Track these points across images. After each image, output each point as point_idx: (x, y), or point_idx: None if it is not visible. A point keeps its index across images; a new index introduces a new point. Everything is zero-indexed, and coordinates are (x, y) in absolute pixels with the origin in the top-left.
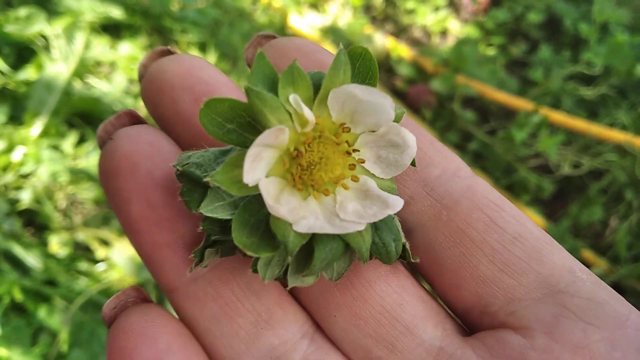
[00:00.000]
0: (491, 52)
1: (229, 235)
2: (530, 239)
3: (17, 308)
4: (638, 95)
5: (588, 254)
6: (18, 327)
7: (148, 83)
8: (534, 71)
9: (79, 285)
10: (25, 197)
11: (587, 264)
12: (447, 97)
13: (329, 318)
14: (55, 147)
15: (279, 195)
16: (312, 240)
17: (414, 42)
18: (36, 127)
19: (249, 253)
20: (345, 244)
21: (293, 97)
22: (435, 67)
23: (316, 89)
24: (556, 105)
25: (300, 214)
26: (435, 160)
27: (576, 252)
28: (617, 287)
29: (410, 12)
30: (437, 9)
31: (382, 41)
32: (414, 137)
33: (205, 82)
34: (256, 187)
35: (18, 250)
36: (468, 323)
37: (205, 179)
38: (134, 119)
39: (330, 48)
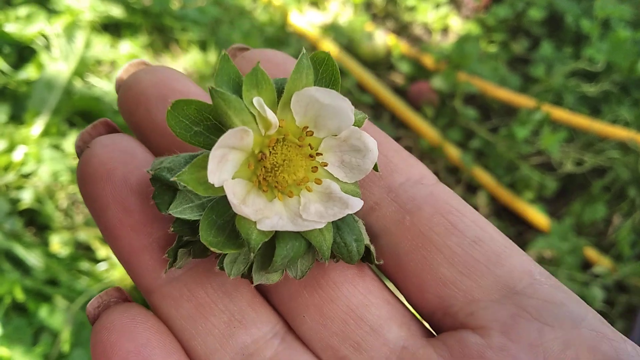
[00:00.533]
0: (492, 49)
1: (198, 236)
2: (489, 242)
3: (18, 308)
4: None
5: (591, 251)
6: (19, 326)
7: (124, 93)
8: (536, 68)
9: (80, 285)
10: (27, 197)
11: (590, 262)
12: (449, 95)
13: (298, 318)
14: (56, 147)
15: (246, 196)
16: (275, 239)
17: (415, 40)
18: (37, 127)
19: (213, 250)
20: (307, 243)
21: (257, 100)
22: (436, 64)
23: (280, 93)
24: (558, 102)
25: (265, 214)
26: (400, 167)
27: (579, 250)
28: (621, 285)
29: (411, 9)
30: (438, 6)
31: (383, 39)
32: (375, 142)
33: (179, 92)
34: (222, 188)
35: (19, 250)
36: (433, 325)
37: (171, 179)
38: (109, 129)
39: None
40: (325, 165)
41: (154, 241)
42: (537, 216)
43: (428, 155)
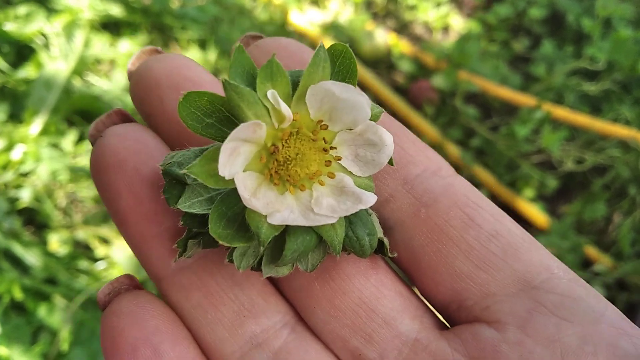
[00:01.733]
0: (493, 47)
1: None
2: (507, 236)
3: (17, 307)
4: None
5: (592, 250)
6: (18, 325)
7: (136, 82)
8: (537, 67)
9: (79, 284)
10: (25, 196)
11: (591, 261)
12: (449, 94)
13: (309, 309)
14: (55, 145)
15: (257, 189)
16: (285, 232)
17: (416, 39)
18: (36, 125)
19: (222, 243)
20: (318, 237)
21: (271, 93)
22: (437, 63)
23: (295, 86)
24: (559, 100)
25: (276, 207)
26: (416, 158)
27: (579, 248)
28: (621, 283)
29: (412, 8)
30: (438, 4)
31: (383, 37)
32: (391, 136)
33: (191, 80)
34: (232, 181)
35: (18, 249)
36: (447, 317)
37: (181, 171)
38: (123, 118)
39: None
40: (339, 159)
41: (164, 230)
42: (538, 214)
43: None
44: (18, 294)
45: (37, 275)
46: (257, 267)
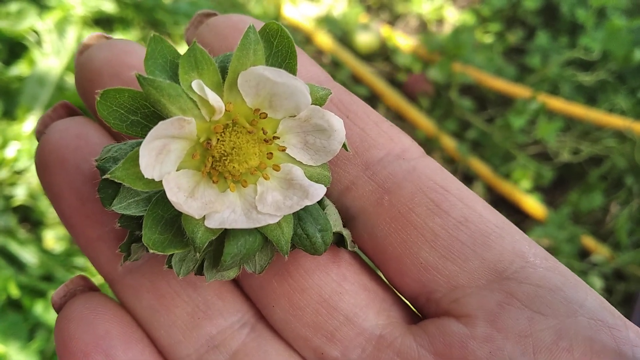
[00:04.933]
0: (488, 39)
1: None
2: (477, 222)
3: (13, 304)
4: (637, 80)
5: (589, 240)
6: (14, 323)
7: (79, 72)
8: (532, 58)
9: None
10: (20, 193)
11: (588, 251)
12: (445, 86)
13: (269, 308)
14: None
15: (195, 188)
16: (225, 235)
17: (410, 31)
18: (29, 123)
19: (153, 251)
20: (263, 237)
21: (196, 83)
22: (431, 55)
23: (225, 73)
24: (554, 91)
25: (215, 207)
26: (378, 142)
27: (577, 239)
28: (619, 273)
29: (406, 0)
30: None
31: (377, 30)
32: (341, 120)
33: (134, 67)
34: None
35: (14, 247)
36: (418, 310)
37: (104, 176)
38: (69, 111)
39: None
40: (284, 150)
41: (110, 230)
42: (534, 206)
43: (424, 146)
44: (14, 291)
45: (34, 272)
46: (199, 272)
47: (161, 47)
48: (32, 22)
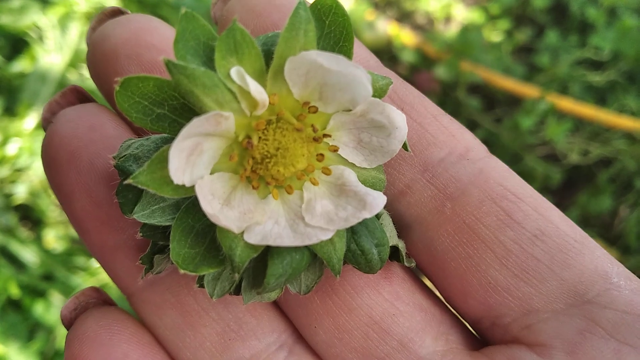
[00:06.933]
0: (497, 37)
1: None
2: (554, 236)
3: (13, 304)
4: None
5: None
6: (15, 323)
7: (92, 52)
8: (541, 57)
9: (75, 280)
10: (21, 191)
11: None
12: (452, 85)
13: (309, 328)
14: None
15: (231, 194)
16: (267, 251)
17: (418, 28)
18: (31, 120)
19: (184, 272)
20: (311, 254)
21: (236, 70)
22: (439, 53)
23: (270, 58)
24: (563, 91)
25: (255, 218)
26: (438, 139)
27: None
28: None
29: None
30: None
31: (384, 27)
32: (403, 116)
33: (155, 48)
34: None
35: (14, 246)
36: (479, 334)
37: (126, 182)
38: (80, 97)
39: None
40: (336, 150)
41: (128, 238)
42: None
43: None
44: (14, 291)
45: (34, 272)
46: (235, 292)
47: (193, 27)
48: (34, 17)
